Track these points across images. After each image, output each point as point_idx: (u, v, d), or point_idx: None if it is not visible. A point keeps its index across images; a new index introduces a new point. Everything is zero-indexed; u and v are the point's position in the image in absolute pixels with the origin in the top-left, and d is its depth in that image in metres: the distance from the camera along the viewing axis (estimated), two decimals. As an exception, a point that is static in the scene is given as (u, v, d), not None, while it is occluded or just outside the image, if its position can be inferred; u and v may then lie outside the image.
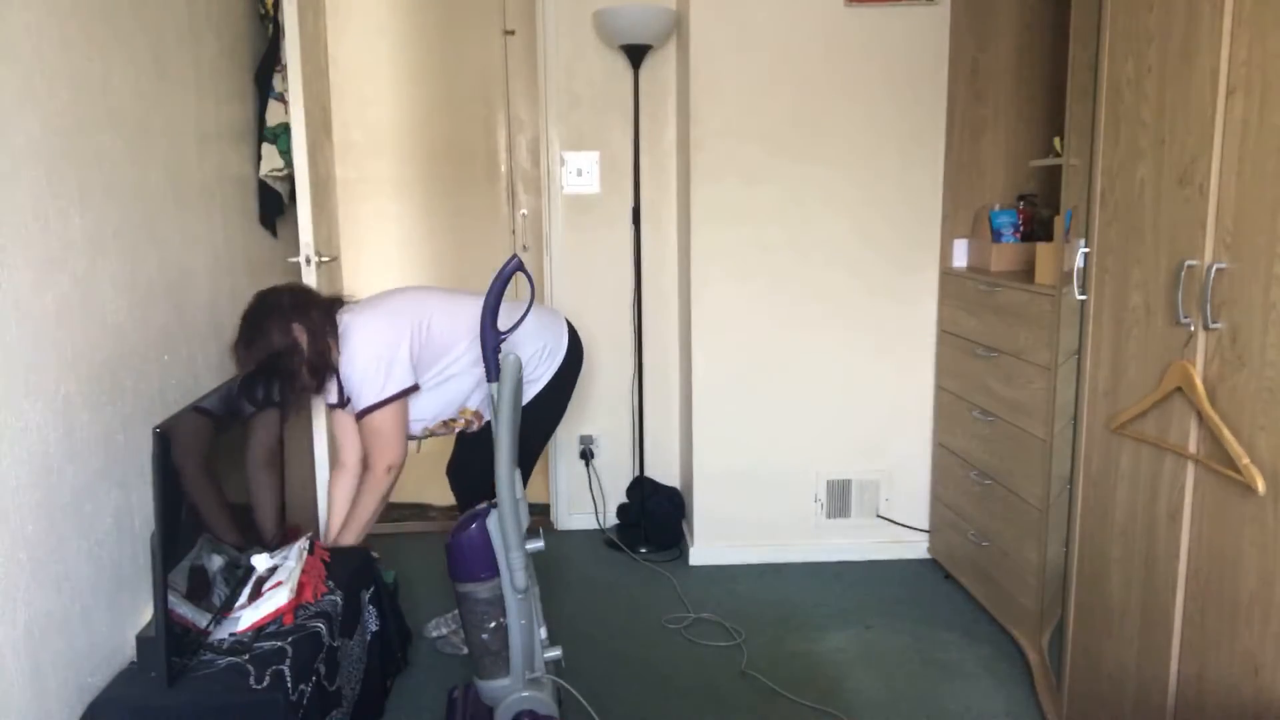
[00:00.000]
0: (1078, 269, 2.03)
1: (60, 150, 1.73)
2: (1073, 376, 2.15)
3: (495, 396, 2.06)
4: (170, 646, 1.76)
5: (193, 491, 1.92)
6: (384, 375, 2.38)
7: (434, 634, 2.74)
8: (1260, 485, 1.48)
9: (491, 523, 2.04)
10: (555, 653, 2.14)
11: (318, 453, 2.78)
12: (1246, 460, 1.51)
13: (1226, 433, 1.55)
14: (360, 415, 2.41)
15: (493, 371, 2.10)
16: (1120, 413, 1.87)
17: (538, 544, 2.07)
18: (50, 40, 1.71)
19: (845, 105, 3.10)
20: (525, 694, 2.09)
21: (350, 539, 2.51)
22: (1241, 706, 1.56)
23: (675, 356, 3.56)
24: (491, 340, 2.08)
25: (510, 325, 2.29)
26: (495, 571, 2.06)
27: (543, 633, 2.14)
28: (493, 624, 2.07)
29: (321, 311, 2.40)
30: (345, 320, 2.42)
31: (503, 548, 2.03)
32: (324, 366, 2.38)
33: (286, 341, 2.33)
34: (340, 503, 2.61)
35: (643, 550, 3.40)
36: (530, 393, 2.60)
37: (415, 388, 2.44)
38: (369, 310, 2.45)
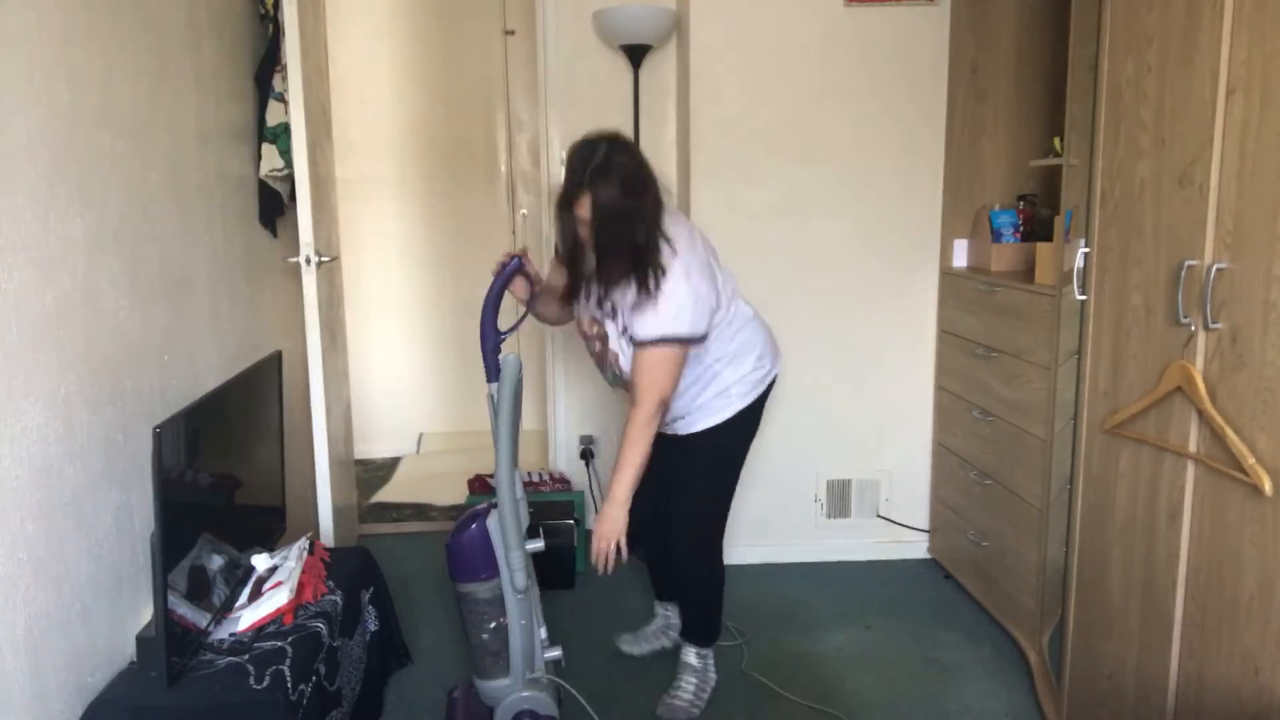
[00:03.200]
0: (1078, 269, 2.03)
1: (60, 150, 1.73)
2: (1073, 376, 2.15)
3: (495, 397, 2.07)
4: (170, 646, 1.76)
5: (193, 491, 1.92)
6: (695, 313, 2.04)
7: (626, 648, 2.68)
8: (1267, 486, 1.48)
9: (492, 522, 2.04)
10: (555, 653, 2.15)
11: (318, 451, 2.78)
12: (1252, 460, 1.51)
13: (1230, 433, 1.55)
14: (644, 343, 2.04)
15: (492, 371, 2.11)
16: (1116, 413, 1.87)
17: (538, 544, 2.07)
18: (50, 40, 1.71)
19: (845, 105, 3.10)
20: (525, 694, 2.09)
21: (624, 489, 2.09)
22: (1241, 707, 1.56)
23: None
24: (492, 339, 2.09)
25: (509, 327, 2.29)
26: (495, 571, 2.05)
27: (543, 633, 2.14)
28: (493, 624, 2.07)
29: (656, 196, 2.05)
30: (670, 230, 2.07)
31: (503, 547, 2.02)
32: (647, 262, 2.00)
33: (632, 203, 1.98)
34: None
35: (643, 550, 3.39)
36: (722, 410, 2.26)
37: (702, 339, 2.11)
38: (686, 238, 2.09)
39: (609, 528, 2.09)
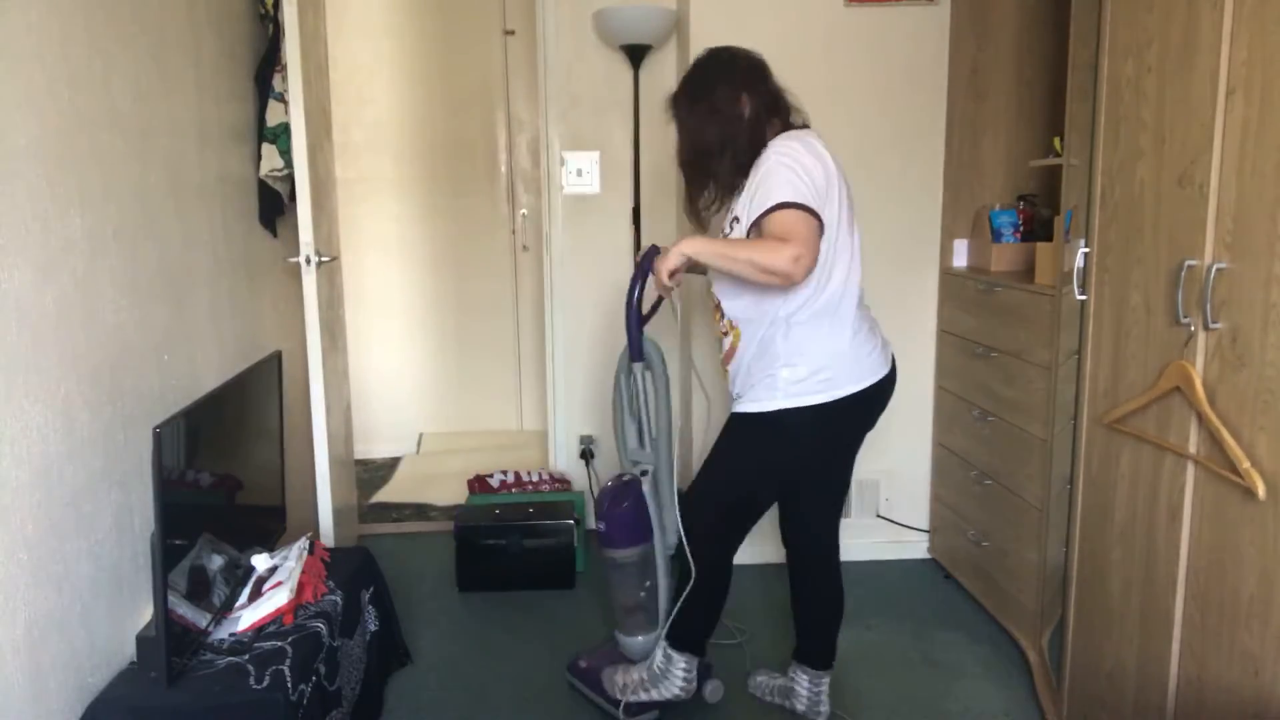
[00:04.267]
0: (1078, 269, 2.03)
1: (60, 150, 1.73)
2: (1073, 376, 2.15)
3: (637, 376, 2.21)
4: (170, 646, 1.76)
5: (193, 491, 1.92)
6: (802, 183, 1.91)
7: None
8: (1261, 490, 1.48)
9: (646, 489, 2.23)
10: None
11: (318, 451, 2.78)
12: (1247, 464, 1.51)
13: (1226, 435, 1.55)
14: (762, 217, 1.92)
15: (637, 352, 2.21)
16: (1116, 407, 1.87)
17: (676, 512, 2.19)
18: (50, 40, 1.71)
19: (845, 105, 3.10)
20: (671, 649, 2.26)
21: (699, 245, 1.96)
22: (1241, 707, 1.56)
23: (676, 356, 3.56)
24: (636, 322, 2.17)
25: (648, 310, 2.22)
26: (649, 537, 2.25)
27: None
28: (648, 583, 2.27)
29: (772, 94, 2.05)
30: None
31: (656, 511, 2.23)
32: (750, 158, 2.00)
33: (733, 110, 2.01)
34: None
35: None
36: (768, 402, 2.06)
37: (820, 221, 1.91)
38: (797, 142, 1.99)
39: (661, 263, 2.00)
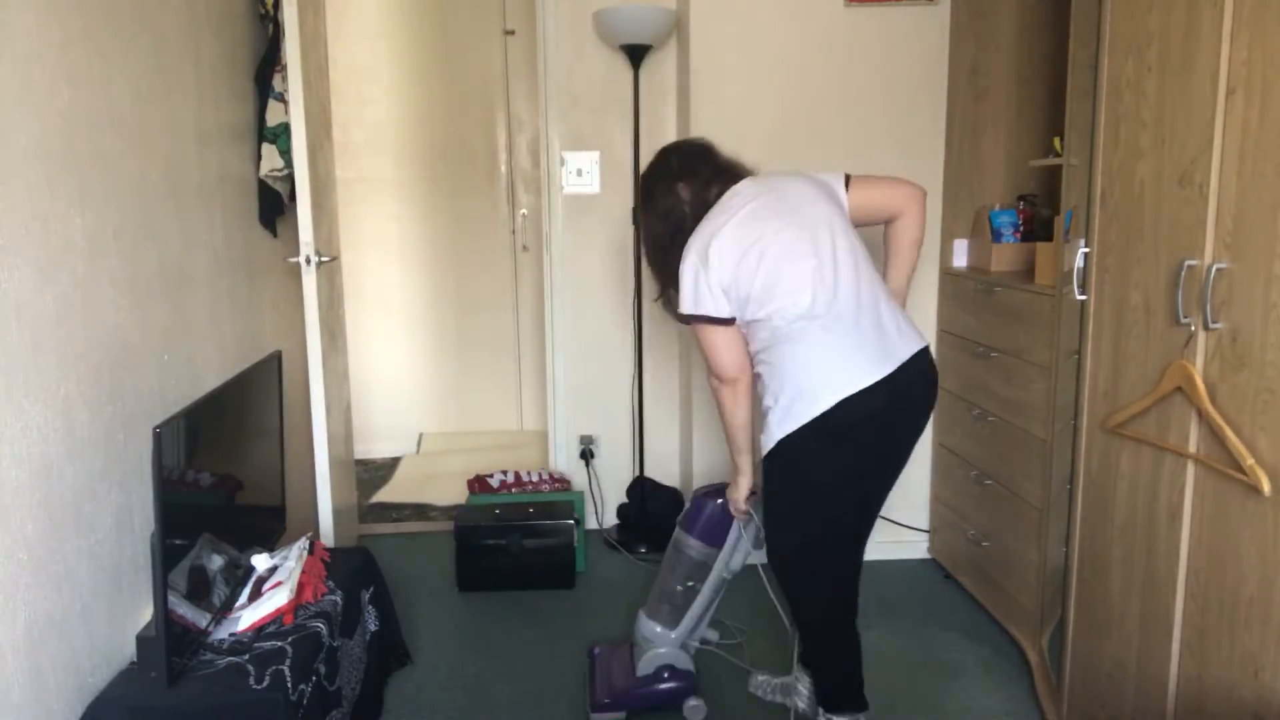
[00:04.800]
0: (1078, 269, 2.03)
1: (60, 150, 1.73)
2: (1073, 376, 2.15)
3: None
4: (170, 646, 1.76)
5: (193, 491, 1.92)
6: (693, 291, 2.04)
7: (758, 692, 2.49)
8: (1266, 486, 1.48)
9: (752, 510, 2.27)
10: (714, 635, 2.57)
11: (318, 451, 2.78)
12: (1251, 461, 1.51)
13: (1230, 433, 1.55)
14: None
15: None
16: (1117, 412, 1.87)
17: (761, 554, 2.25)
18: (50, 40, 1.71)
19: (845, 105, 3.10)
20: (677, 651, 2.36)
21: (735, 454, 2.17)
22: (1241, 707, 1.56)
23: (675, 356, 3.56)
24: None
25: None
26: (719, 545, 2.31)
27: (711, 612, 2.41)
28: (690, 583, 2.33)
29: (710, 173, 2.13)
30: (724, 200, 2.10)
31: (738, 535, 2.31)
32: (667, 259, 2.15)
33: (672, 201, 2.13)
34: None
35: (642, 550, 3.39)
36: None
37: (729, 322, 2.03)
38: (706, 225, 2.06)
39: (731, 493, 2.24)
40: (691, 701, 2.35)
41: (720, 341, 2.05)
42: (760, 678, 2.48)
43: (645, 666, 2.36)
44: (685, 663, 2.37)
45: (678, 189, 2.12)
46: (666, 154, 2.21)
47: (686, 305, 2.05)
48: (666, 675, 2.35)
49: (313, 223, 2.67)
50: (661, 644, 2.35)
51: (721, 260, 1.99)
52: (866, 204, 2.17)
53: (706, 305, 2.02)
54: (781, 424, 2.00)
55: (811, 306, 1.97)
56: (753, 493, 2.25)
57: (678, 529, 2.37)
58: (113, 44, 1.95)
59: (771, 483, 2.09)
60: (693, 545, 2.33)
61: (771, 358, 2.01)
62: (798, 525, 2.10)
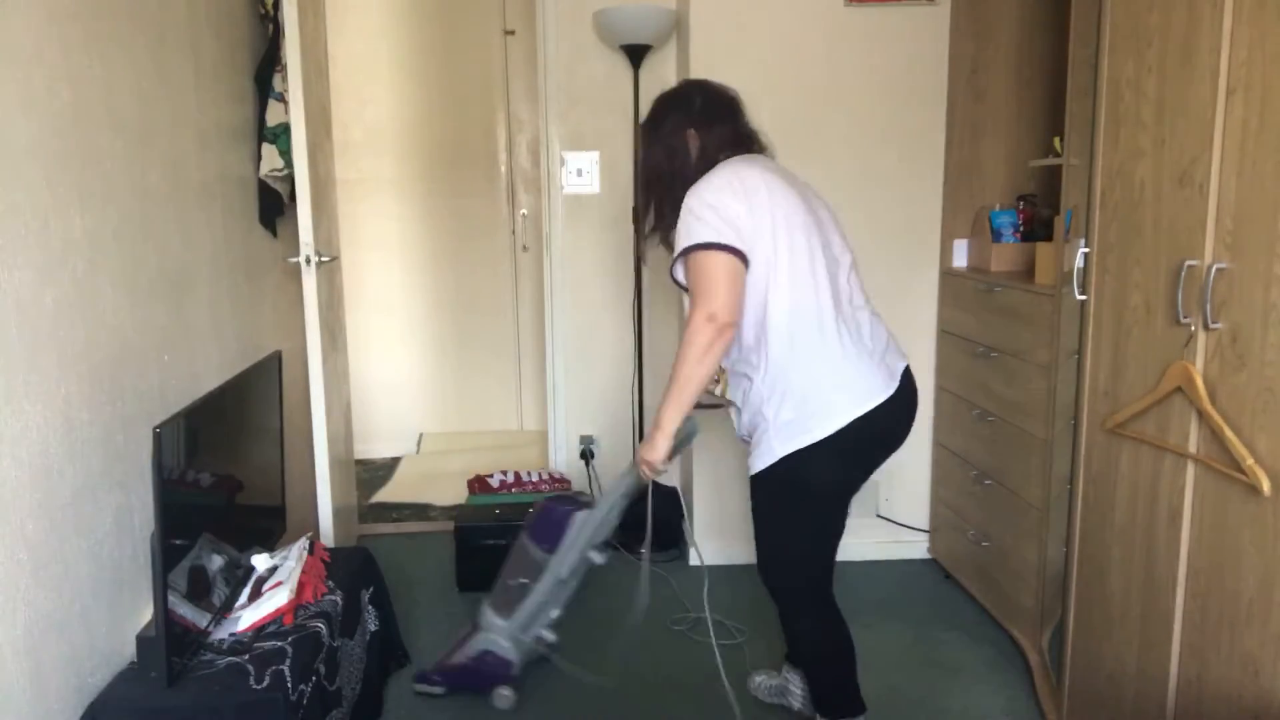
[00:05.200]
0: (1078, 269, 2.03)
1: (60, 150, 1.73)
2: (1073, 376, 2.15)
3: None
4: (170, 646, 1.76)
5: (193, 491, 1.92)
6: (710, 220, 1.86)
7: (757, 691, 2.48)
8: (1266, 486, 1.48)
9: (581, 516, 2.36)
10: (551, 637, 2.49)
11: (318, 451, 2.78)
12: (1251, 461, 1.51)
13: (1229, 433, 1.55)
14: (677, 261, 1.93)
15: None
16: (1117, 412, 1.87)
17: (600, 559, 2.40)
18: (50, 40, 1.71)
19: (845, 105, 3.10)
20: (503, 641, 2.43)
21: (669, 414, 1.93)
22: (1241, 707, 1.56)
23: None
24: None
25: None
26: (553, 549, 2.37)
27: (555, 614, 2.45)
28: (525, 580, 2.42)
29: (729, 135, 2.01)
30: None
31: (573, 540, 2.36)
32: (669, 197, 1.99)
33: (677, 143, 2.00)
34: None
35: (642, 551, 3.39)
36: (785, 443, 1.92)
37: (740, 256, 1.85)
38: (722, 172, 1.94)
39: (647, 453, 1.98)
40: (502, 690, 2.44)
41: (732, 274, 1.84)
42: (758, 678, 2.48)
43: (470, 649, 2.46)
44: (508, 652, 2.43)
45: (688, 133, 2.00)
46: (690, 89, 2.07)
47: (704, 234, 1.84)
48: (487, 659, 2.44)
49: (313, 223, 2.67)
50: (491, 630, 2.44)
51: (753, 202, 1.87)
52: None
53: (728, 235, 1.84)
54: (791, 439, 1.88)
55: (825, 305, 1.90)
56: (588, 505, 2.37)
57: (524, 533, 2.47)
58: (112, 44, 1.95)
59: (768, 498, 1.98)
60: (530, 546, 2.43)
61: (777, 364, 1.89)
62: (797, 541, 2.01)
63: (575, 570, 2.39)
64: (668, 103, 2.06)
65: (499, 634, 2.44)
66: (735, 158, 1.98)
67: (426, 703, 2.46)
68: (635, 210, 3.40)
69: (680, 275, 1.95)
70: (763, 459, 1.93)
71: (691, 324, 1.85)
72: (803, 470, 1.90)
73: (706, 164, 1.97)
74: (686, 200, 1.90)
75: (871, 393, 1.89)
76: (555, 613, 2.46)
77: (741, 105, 2.07)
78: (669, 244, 2.00)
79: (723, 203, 1.86)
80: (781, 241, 1.88)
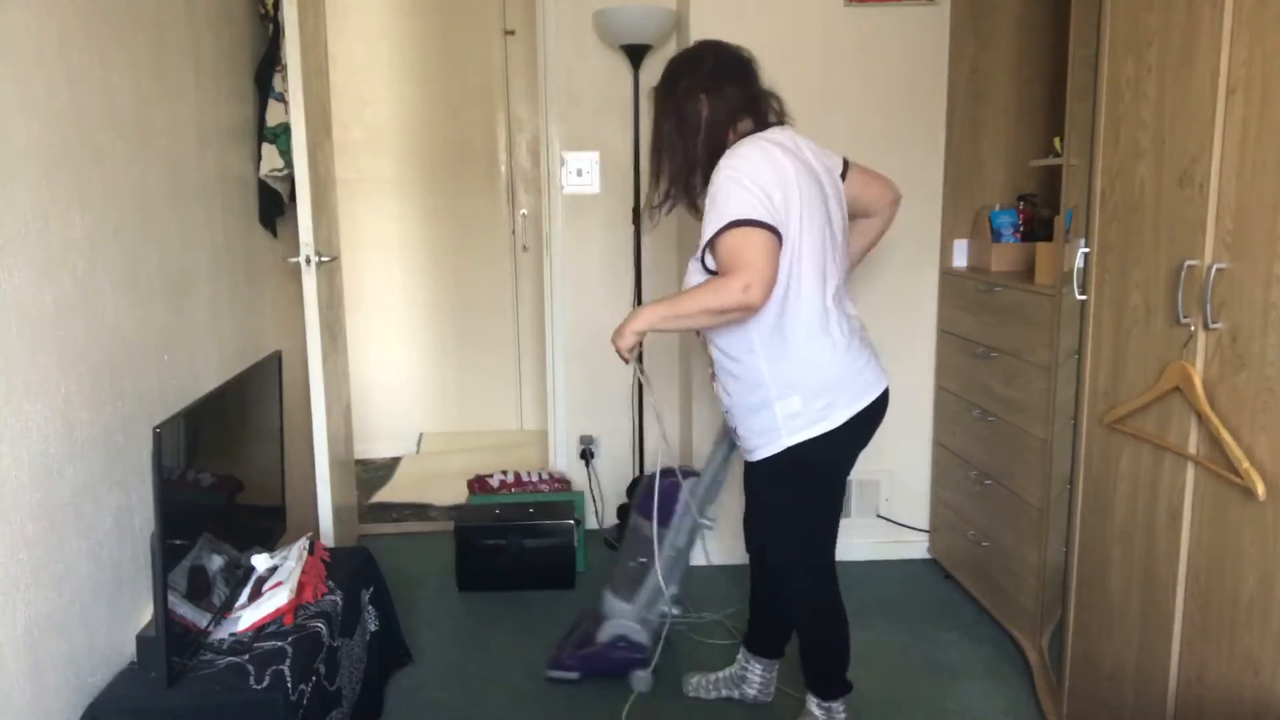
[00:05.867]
0: (1078, 269, 2.03)
1: (60, 150, 1.73)
2: (1073, 376, 2.15)
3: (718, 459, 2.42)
4: (170, 646, 1.76)
5: (193, 491, 1.92)
6: (747, 195, 1.83)
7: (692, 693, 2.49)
8: (1260, 490, 1.48)
9: (688, 487, 2.43)
10: (675, 611, 2.58)
11: (318, 451, 2.78)
12: (1247, 464, 1.51)
13: (1226, 435, 1.55)
14: (713, 240, 1.85)
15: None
16: (1116, 407, 1.87)
17: (709, 523, 2.46)
18: (50, 40, 1.71)
19: (845, 105, 3.10)
20: (633, 624, 2.50)
21: (651, 316, 1.92)
22: (1241, 707, 1.56)
23: (675, 356, 3.56)
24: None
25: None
26: (666, 523, 2.45)
27: (673, 590, 2.49)
28: (643, 559, 2.49)
29: (742, 97, 1.97)
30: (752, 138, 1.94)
31: (680, 516, 2.44)
32: (712, 159, 1.93)
33: (689, 109, 1.96)
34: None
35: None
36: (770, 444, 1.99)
37: (773, 232, 1.82)
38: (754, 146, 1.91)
39: (616, 338, 1.97)
40: (639, 672, 2.47)
41: (773, 256, 1.81)
42: (695, 679, 2.49)
43: (603, 635, 2.52)
44: (640, 635, 2.50)
45: (700, 98, 1.95)
46: (702, 50, 2.02)
47: (752, 210, 1.80)
48: (621, 645, 2.51)
49: (313, 223, 2.67)
50: (618, 615, 2.51)
51: (785, 185, 1.86)
52: (856, 197, 2.13)
53: (769, 214, 1.81)
54: (797, 431, 1.93)
55: (830, 298, 1.93)
56: (695, 474, 2.44)
57: (632, 512, 2.58)
58: (112, 44, 1.95)
59: (774, 485, 2.03)
60: (643, 523, 2.52)
61: (789, 355, 1.92)
62: (814, 527, 2.07)
63: (690, 540, 2.47)
64: (679, 65, 2.01)
65: (627, 617, 2.50)
66: (764, 134, 1.95)
67: (428, 703, 2.46)
68: (635, 210, 3.40)
69: (705, 244, 1.88)
70: (766, 449, 1.98)
71: (726, 285, 1.79)
72: (808, 455, 1.96)
73: (718, 128, 1.95)
74: (724, 170, 1.86)
75: (868, 386, 1.98)
76: (673, 589, 2.49)
77: (754, 66, 2.03)
78: (697, 208, 1.96)
79: (764, 180, 1.84)
80: (805, 230, 1.88)
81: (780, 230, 1.83)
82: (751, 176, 1.83)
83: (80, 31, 1.81)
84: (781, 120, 2.03)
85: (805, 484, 2.03)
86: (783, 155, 1.89)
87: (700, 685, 2.47)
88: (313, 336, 2.71)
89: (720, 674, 2.47)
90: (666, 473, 2.46)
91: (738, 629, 2.79)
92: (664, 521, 2.47)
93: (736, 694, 2.44)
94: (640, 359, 2.16)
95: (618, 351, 1.99)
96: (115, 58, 1.96)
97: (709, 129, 1.95)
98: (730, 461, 2.43)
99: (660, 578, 2.44)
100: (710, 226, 1.84)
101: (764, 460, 2.01)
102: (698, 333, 2.08)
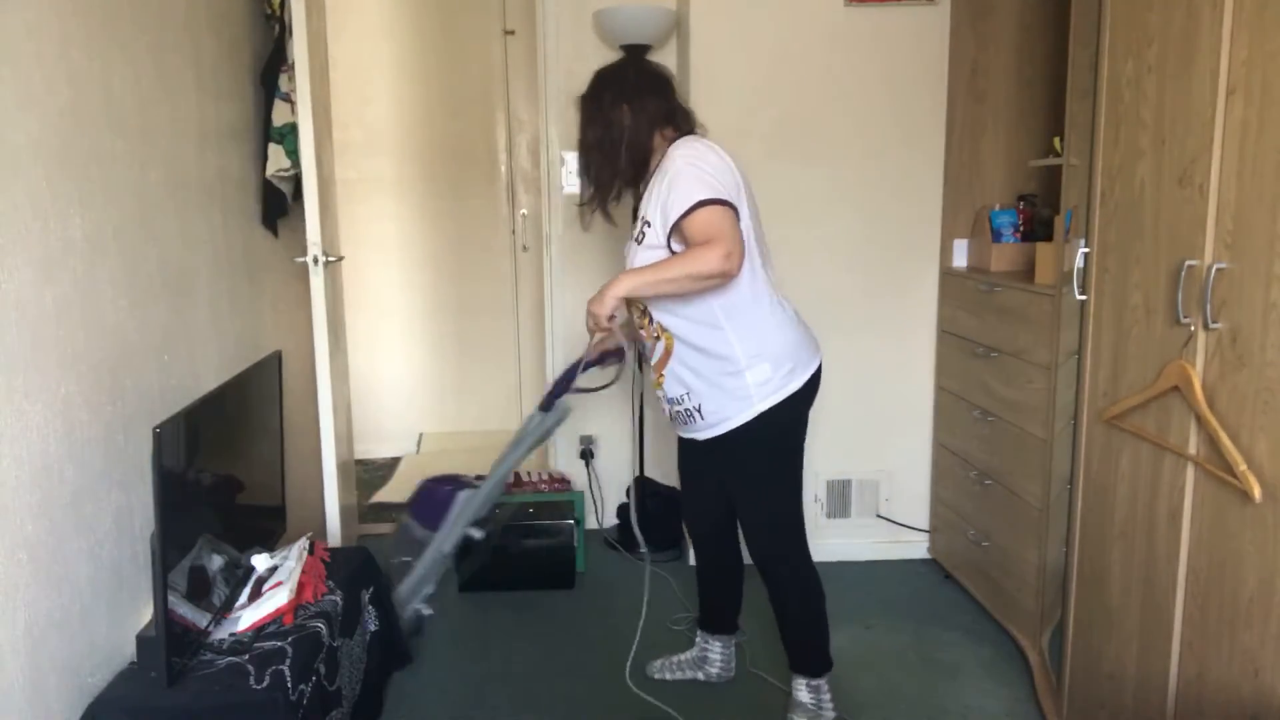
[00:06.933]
0: (1078, 269, 2.03)
1: (60, 150, 1.73)
2: (1073, 376, 2.15)
3: (531, 419, 2.49)
4: (170, 646, 1.76)
5: (193, 491, 1.92)
6: (716, 179, 1.97)
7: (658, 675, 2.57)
8: (1257, 493, 1.48)
9: (463, 496, 2.46)
10: (428, 610, 2.63)
11: (325, 452, 2.78)
12: (1244, 467, 1.51)
13: (1224, 437, 1.55)
14: (684, 217, 1.95)
15: (548, 402, 2.49)
16: (1115, 404, 1.87)
17: (479, 534, 2.51)
18: (50, 40, 1.71)
19: (845, 105, 3.10)
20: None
21: (631, 284, 1.99)
22: (1241, 707, 1.56)
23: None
24: (563, 385, 2.45)
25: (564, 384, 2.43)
26: (434, 528, 2.49)
27: (429, 590, 2.58)
28: (407, 558, 2.56)
29: (662, 108, 2.13)
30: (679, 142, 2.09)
31: (452, 520, 2.48)
32: (638, 162, 2.12)
33: (612, 116, 2.13)
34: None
35: (642, 551, 3.39)
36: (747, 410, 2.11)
37: (736, 212, 1.98)
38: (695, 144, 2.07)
39: (595, 305, 2.03)
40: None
41: (738, 225, 1.97)
42: (658, 663, 2.56)
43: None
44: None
45: (623, 109, 2.12)
46: (625, 66, 2.25)
47: (715, 190, 1.94)
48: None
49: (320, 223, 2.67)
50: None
51: (733, 169, 2.04)
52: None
53: (723, 192, 1.96)
54: (768, 396, 2.08)
55: (771, 278, 2.14)
56: (471, 485, 2.53)
57: (407, 511, 2.62)
58: (112, 44, 1.95)
59: (761, 454, 2.15)
60: (412, 525, 2.57)
61: (759, 326, 2.08)
62: (791, 489, 2.20)
63: (456, 546, 2.54)
64: (604, 78, 2.20)
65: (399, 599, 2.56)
66: (691, 136, 2.13)
67: (428, 703, 2.46)
68: (635, 210, 3.40)
69: (670, 227, 2.00)
70: (737, 418, 2.10)
71: (708, 252, 1.90)
72: (778, 419, 2.10)
73: (640, 135, 2.12)
74: (680, 159, 2.01)
75: (814, 351, 2.20)
76: (430, 589, 2.57)
77: (672, 83, 2.21)
78: (607, 212, 2.23)
79: (718, 167, 2.01)
80: (749, 215, 2.07)
81: (737, 207, 2.00)
82: (708, 162, 2.00)
83: (80, 31, 1.81)
84: (694, 132, 2.18)
85: (778, 448, 2.17)
86: (721, 151, 2.07)
87: (664, 668, 2.55)
88: (319, 336, 2.71)
89: (682, 657, 2.56)
90: (447, 480, 2.55)
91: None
92: (433, 526, 2.53)
93: (700, 675, 2.53)
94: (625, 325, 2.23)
95: (594, 318, 2.04)
96: (115, 58, 1.96)
97: (632, 135, 2.12)
98: (508, 478, 2.57)
99: (419, 579, 2.55)
100: (676, 208, 1.96)
101: (735, 430, 2.11)
102: (644, 315, 2.17)
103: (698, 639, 2.55)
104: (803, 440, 2.22)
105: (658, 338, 2.16)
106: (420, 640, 2.71)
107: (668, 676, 2.54)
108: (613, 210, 2.24)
